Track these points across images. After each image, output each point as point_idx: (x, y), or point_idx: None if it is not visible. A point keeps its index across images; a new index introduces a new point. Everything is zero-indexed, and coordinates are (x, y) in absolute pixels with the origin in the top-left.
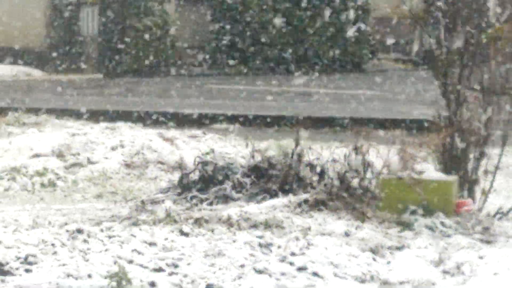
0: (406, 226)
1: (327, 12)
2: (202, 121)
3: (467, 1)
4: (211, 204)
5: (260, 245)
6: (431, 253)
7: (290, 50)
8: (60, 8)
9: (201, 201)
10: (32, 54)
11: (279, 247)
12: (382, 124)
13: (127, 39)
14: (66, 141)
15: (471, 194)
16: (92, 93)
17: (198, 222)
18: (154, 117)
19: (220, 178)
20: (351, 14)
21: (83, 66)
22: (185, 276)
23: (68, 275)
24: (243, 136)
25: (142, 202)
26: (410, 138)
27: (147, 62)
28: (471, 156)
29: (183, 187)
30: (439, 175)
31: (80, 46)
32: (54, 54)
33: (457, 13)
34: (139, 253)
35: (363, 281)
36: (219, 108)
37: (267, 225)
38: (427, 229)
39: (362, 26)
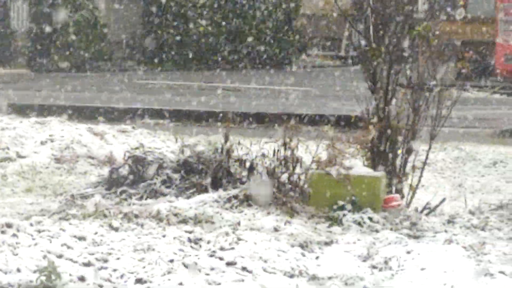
0: (335, 221)
1: (259, 8)
2: (131, 116)
3: None
4: (140, 199)
5: (190, 240)
6: (359, 248)
7: (220, 46)
8: None
9: (131, 196)
10: None
11: (208, 242)
12: (311, 120)
13: (57, 35)
14: None
15: (399, 189)
16: (22, 87)
17: (127, 216)
18: (83, 111)
19: (150, 173)
20: (282, 10)
21: (12, 60)
22: (115, 270)
23: None
24: (173, 131)
25: (72, 196)
26: (339, 134)
27: (77, 57)
28: (399, 152)
29: (113, 181)
30: (368, 171)
31: (10, 40)
32: None
33: (386, 10)
34: (68, 247)
35: (292, 276)
36: (149, 103)
37: (196, 220)
38: (355, 225)
39: (292, 22)
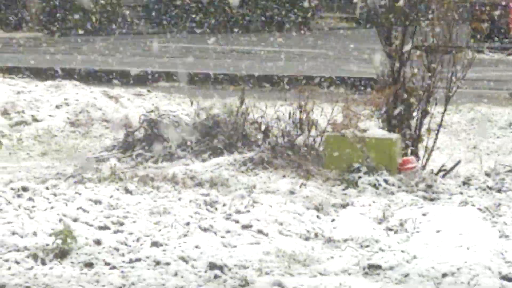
0: (350, 183)
1: None
2: (146, 79)
3: None
4: (156, 162)
5: (206, 203)
6: (374, 210)
7: (234, 8)
8: None
9: (146, 159)
10: None
11: (224, 205)
12: (327, 82)
13: None
14: (10, 99)
15: (414, 152)
16: (36, 51)
17: (143, 180)
18: (98, 75)
19: (165, 136)
20: None
21: (27, 24)
22: (130, 234)
23: (13, 233)
24: (188, 94)
25: (87, 160)
26: (354, 96)
27: (91, 21)
28: (414, 114)
29: (128, 145)
30: (383, 133)
31: (24, 3)
32: None
33: None
34: (84, 211)
35: (307, 239)
36: (164, 66)
37: (212, 183)
38: (371, 187)
39: None
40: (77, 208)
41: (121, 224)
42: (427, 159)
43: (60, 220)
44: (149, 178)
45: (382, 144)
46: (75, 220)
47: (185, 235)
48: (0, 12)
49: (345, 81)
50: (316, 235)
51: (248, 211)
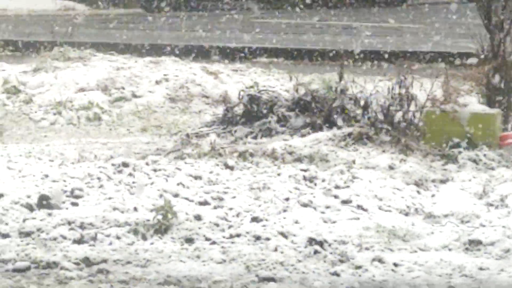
0: (450, 159)
1: None
2: (246, 55)
3: None
4: (255, 137)
5: (305, 178)
6: (475, 185)
7: None
8: None
9: (246, 134)
10: None
11: (323, 180)
12: (426, 57)
13: None
14: (110, 75)
15: None
16: (136, 27)
17: (242, 155)
18: (197, 51)
19: (264, 111)
20: None
21: (126, 0)
22: (230, 209)
23: (114, 209)
24: (287, 70)
25: (187, 135)
26: (454, 71)
27: None
28: None
29: (227, 120)
30: (483, 108)
31: None
32: None
33: None
34: (184, 186)
35: (407, 214)
36: (262, 42)
37: (311, 159)
38: (470, 162)
39: None
40: (177, 184)
41: (221, 199)
42: None
43: (161, 195)
44: (248, 154)
45: (482, 119)
46: (175, 195)
47: (285, 211)
48: None
49: (445, 56)
50: (416, 210)
51: (348, 187)
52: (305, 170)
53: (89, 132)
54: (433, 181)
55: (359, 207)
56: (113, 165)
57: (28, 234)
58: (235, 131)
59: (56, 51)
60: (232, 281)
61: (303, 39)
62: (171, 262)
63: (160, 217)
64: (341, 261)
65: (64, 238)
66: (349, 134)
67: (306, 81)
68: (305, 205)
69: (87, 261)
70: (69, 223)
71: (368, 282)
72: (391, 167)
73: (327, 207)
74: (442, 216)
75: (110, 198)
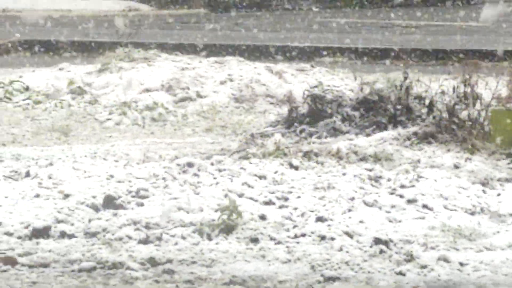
0: None
1: None
2: (310, 54)
3: None
4: (320, 137)
5: (370, 177)
6: None
7: None
8: None
9: (310, 134)
10: None
11: (388, 180)
12: (491, 55)
13: None
14: (175, 75)
15: None
16: (199, 27)
17: (307, 155)
18: (262, 50)
19: (329, 111)
20: None
21: (190, 1)
22: (295, 209)
23: (179, 209)
24: (351, 69)
25: (252, 135)
26: None
27: None
28: None
29: (292, 120)
30: None
31: None
32: None
33: None
34: (249, 186)
35: (473, 213)
36: (326, 41)
37: (376, 158)
38: None
39: None
40: (242, 184)
41: (286, 199)
42: None
43: (226, 195)
44: (313, 153)
45: None
46: (240, 195)
47: (350, 210)
48: None
49: (510, 54)
50: (481, 209)
51: (413, 186)
52: (370, 170)
53: (154, 132)
54: (499, 180)
55: (425, 206)
56: (178, 165)
57: (93, 234)
58: (300, 131)
59: (120, 51)
60: (297, 281)
61: (367, 38)
62: (237, 262)
63: (225, 216)
64: (407, 261)
65: (130, 238)
66: (414, 133)
67: (371, 80)
68: (370, 205)
69: (153, 261)
70: (135, 223)
71: (434, 282)
72: (456, 166)
73: (392, 206)
74: (508, 215)
75: (175, 198)
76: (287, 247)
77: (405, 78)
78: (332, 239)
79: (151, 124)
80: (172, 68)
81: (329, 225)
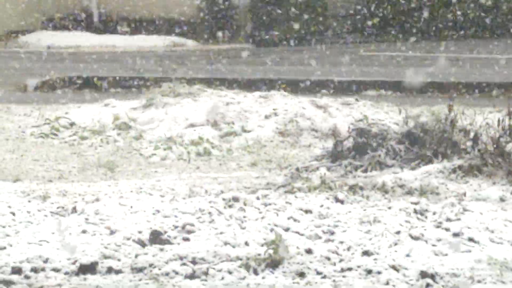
0: None
1: None
2: (354, 88)
3: None
4: (365, 171)
5: (415, 211)
6: None
7: (439, 14)
8: None
9: (355, 168)
10: (185, 24)
11: (434, 213)
12: None
13: (278, 9)
14: (220, 110)
15: None
16: (244, 62)
17: (352, 189)
18: (306, 84)
19: (374, 145)
20: None
21: (234, 35)
22: (341, 242)
23: (226, 243)
24: (396, 103)
25: (297, 169)
26: None
27: (297, 31)
28: None
29: (337, 154)
30: None
31: (232, 16)
32: (207, 24)
33: None
34: (295, 220)
35: None
36: (370, 75)
37: (421, 191)
38: None
39: None
40: (288, 218)
41: (332, 233)
42: None
43: (272, 229)
44: (358, 187)
45: None
46: (286, 229)
47: (396, 244)
48: (209, 24)
49: None
50: None
51: (459, 219)
52: (415, 203)
53: (200, 167)
54: None
55: (471, 239)
56: (223, 199)
57: (140, 269)
58: (345, 165)
59: (165, 87)
60: None
61: (410, 71)
62: None
63: (271, 251)
64: None
65: (176, 273)
66: (459, 167)
67: (415, 114)
68: (416, 238)
69: None
70: (181, 258)
71: None
72: (502, 199)
73: (438, 239)
74: None
75: (221, 233)
76: (334, 281)
77: (450, 111)
78: (379, 273)
79: (196, 158)
80: (217, 103)
81: (375, 259)
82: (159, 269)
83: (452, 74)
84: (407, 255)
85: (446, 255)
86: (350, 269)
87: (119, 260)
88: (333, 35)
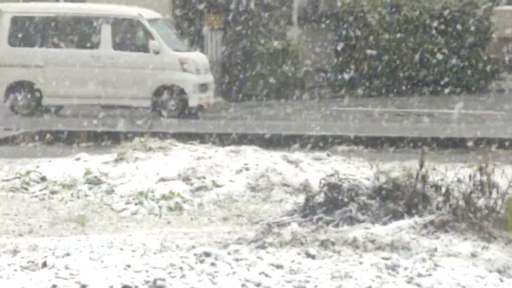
0: None
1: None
2: (325, 143)
3: None
4: (336, 226)
5: (387, 266)
6: None
7: (412, 71)
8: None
9: (327, 223)
10: None
11: (405, 268)
12: (506, 144)
13: (249, 64)
14: (191, 164)
15: None
16: (216, 116)
17: (324, 244)
18: (277, 140)
19: (345, 200)
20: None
21: None
22: None
23: None
24: (367, 158)
25: (268, 224)
26: None
27: (269, 85)
28: None
29: (308, 209)
30: None
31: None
32: None
33: None
34: (266, 275)
35: None
36: (342, 130)
37: (393, 247)
38: None
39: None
40: (259, 273)
41: None
42: None
43: (243, 285)
44: (330, 242)
45: None
46: (257, 285)
47: None
48: None
49: None
50: None
51: (430, 275)
52: (387, 259)
53: (171, 221)
54: None
55: None
56: (195, 254)
57: None
58: (316, 220)
59: (137, 141)
60: None
61: (382, 126)
62: None
63: None
64: None
65: None
66: (431, 222)
67: (387, 169)
68: None
69: None
70: None
71: None
72: (473, 255)
73: None
74: None
75: None
76: None
77: (421, 166)
78: None
79: (167, 213)
80: (188, 158)
81: None
82: None
83: (423, 129)
84: None
85: None
86: None
87: None
88: (303, 91)
